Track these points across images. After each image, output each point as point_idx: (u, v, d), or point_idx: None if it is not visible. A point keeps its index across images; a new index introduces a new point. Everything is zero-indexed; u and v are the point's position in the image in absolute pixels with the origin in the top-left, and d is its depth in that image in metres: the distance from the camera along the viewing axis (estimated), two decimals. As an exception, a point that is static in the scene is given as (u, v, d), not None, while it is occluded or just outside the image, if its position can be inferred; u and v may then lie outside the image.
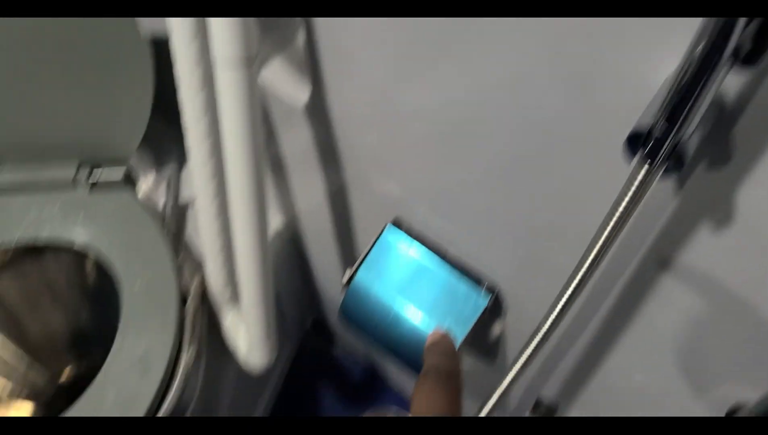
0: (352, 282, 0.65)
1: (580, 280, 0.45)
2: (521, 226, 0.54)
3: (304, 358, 1.21)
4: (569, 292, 0.46)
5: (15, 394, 0.92)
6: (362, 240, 0.79)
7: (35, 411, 0.93)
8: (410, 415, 0.30)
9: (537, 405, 0.71)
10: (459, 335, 0.60)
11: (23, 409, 0.92)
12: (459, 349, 0.60)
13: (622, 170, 0.36)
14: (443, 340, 0.35)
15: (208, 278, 0.72)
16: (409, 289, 0.63)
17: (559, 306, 0.48)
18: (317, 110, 0.61)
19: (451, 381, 0.32)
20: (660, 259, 0.46)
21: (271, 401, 1.09)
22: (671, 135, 0.31)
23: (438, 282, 0.61)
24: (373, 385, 1.19)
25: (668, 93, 0.30)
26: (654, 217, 0.44)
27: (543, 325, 0.51)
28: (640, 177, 0.35)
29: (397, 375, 1.14)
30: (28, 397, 0.93)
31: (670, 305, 0.49)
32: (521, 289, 0.60)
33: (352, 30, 0.49)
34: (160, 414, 0.66)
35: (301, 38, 0.54)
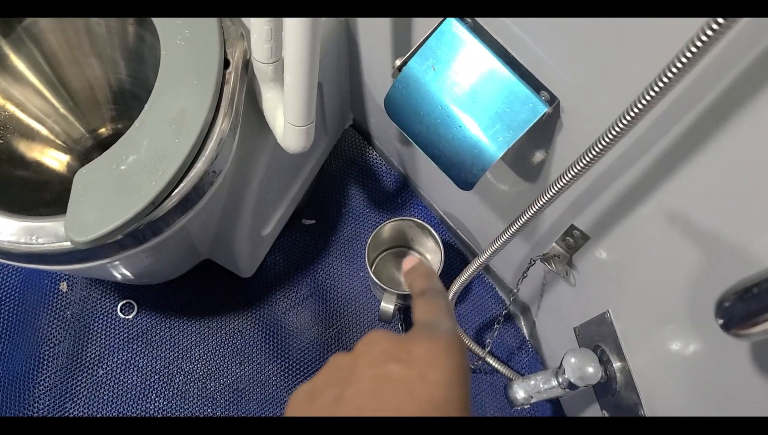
0: (403, 69, 0.61)
1: (653, 96, 0.41)
2: (596, 30, 0.49)
3: (340, 156, 1.21)
4: (638, 107, 0.42)
5: (52, 141, 0.93)
6: (418, 37, 0.73)
7: (70, 161, 0.95)
8: (418, 325, 0.32)
9: (570, 230, 0.69)
10: (509, 141, 0.57)
11: (58, 158, 0.94)
12: (503, 157, 0.57)
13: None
14: (421, 264, 0.37)
15: (252, 49, 0.69)
16: (463, 84, 0.59)
17: (622, 123, 0.44)
18: None
19: (446, 297, 0.35)
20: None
21: (301, 191, 1.10)
22: None
23: (496, 82, 0.57)
24: (401, 194, 1.20)
25: None
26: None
27: (599, 143, 0.48)
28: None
29: (426, 189, 1.13)
30: (64, 146, 0.94)
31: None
32: (581, 104, 0.56)
33: None
34: (191, 175, 0.66)
35: None
